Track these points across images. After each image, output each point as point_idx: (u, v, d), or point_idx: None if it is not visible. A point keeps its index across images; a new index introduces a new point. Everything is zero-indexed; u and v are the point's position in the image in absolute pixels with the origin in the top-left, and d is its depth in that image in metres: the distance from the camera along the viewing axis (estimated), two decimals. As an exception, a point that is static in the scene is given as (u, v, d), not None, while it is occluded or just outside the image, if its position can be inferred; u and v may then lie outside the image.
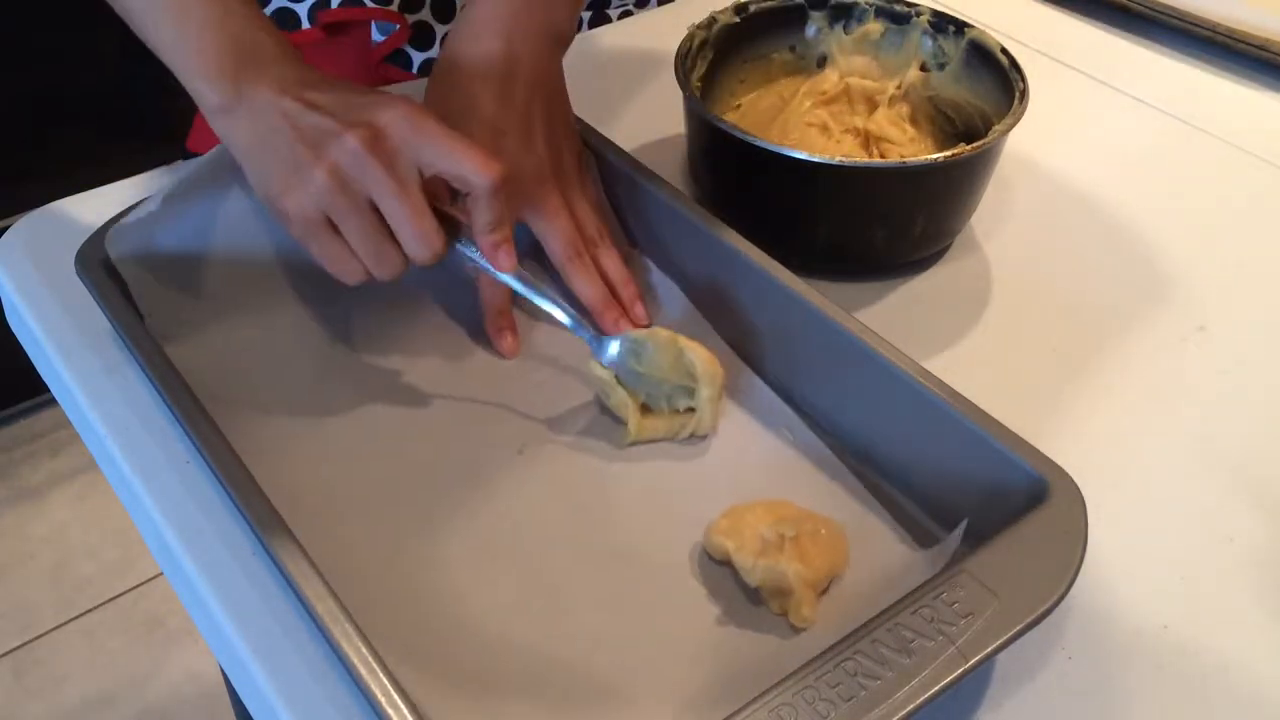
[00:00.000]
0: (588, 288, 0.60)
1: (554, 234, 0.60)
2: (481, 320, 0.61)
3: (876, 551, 0.51)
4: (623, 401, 0.55)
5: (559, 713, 0.45)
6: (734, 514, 0.50)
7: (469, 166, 0.49)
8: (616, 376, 0.55)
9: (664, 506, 0.53)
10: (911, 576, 0.48)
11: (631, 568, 0.50)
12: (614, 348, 0.56)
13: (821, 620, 0.48)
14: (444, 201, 0.53)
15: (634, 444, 0.56)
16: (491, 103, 0.59)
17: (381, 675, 0.40)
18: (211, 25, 0.52)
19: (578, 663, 0.46)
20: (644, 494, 0.54)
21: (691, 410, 0.56)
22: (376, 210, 0.50)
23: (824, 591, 0.49)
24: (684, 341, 0.55)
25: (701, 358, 0.54)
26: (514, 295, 0.58)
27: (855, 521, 0.52)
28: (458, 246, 0.53)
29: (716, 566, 0.50)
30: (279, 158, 0.50)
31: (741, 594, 0.49)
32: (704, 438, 0.56)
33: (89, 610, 1.57)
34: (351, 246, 0.51)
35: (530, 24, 0.60)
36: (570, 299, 0.60)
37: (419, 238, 0.50)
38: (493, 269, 0.53)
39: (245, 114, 0.51)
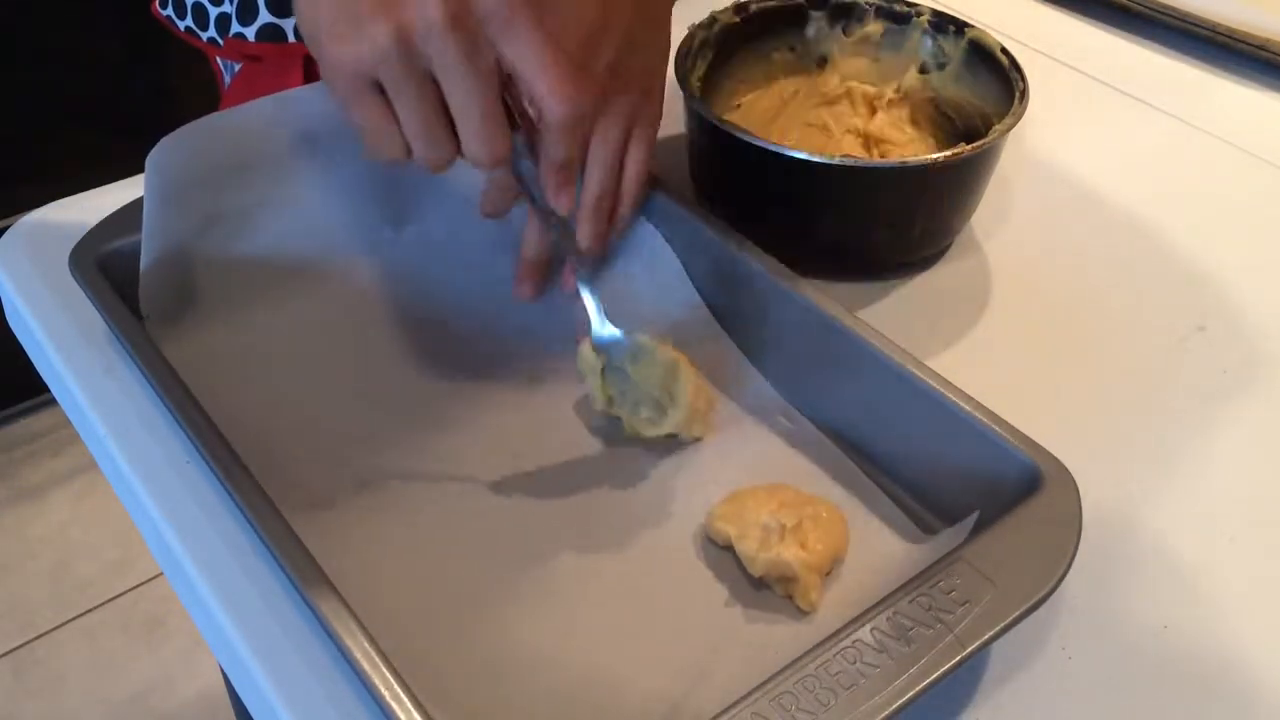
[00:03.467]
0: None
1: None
2: (478, 318, 0.61)
3: (878, 536, 0.51)
4: (596, 389, 0.55)
5: (567, 704, 0.45)
6: (735, 499, 0.51)
7: (547, 85, 0.43)
8: (603, 367, 0.54)
9: (665, 493, 0.53)
10: (912, 563, 0.49)
11: (635, 555, 0.50)
12: (617, 338, 0.54)
13: (826, 602, 0.48)
14: (511, 92, 0.46)
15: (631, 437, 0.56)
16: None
17: (385, 670, 0.40)
18: None
19: (584, 653, 0.46)
20: (644, 481, 0.54)
21: (650, 420, 0.55)
22: (437, 85, 0.43)
23: (828, 573, 0.49)
24: (685, 369, 0.54)
25: (690, 391, 0.54)
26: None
27: (855, 506, 0.52)
28: (512, 152, 0.46)
29: (719, 550, 0.51)
30: None
31: (745, 578, 0.49)
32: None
33: (89, 610, 1.57)
34: (399, 119, 0.44)
35: None
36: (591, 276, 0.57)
37: (482, 138, 0.43)
38: (542, 200, 0.48)
39: None
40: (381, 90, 0.43)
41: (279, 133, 0.59)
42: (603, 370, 0.55)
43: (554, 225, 0.52)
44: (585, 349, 0.55)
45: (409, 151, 0.45)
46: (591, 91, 0.44)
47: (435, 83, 0.43)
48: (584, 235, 0.59)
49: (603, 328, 0.54)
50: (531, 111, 0.46)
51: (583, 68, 0.56)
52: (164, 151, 0.55)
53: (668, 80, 0.64)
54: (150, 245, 0.56)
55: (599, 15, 0.52)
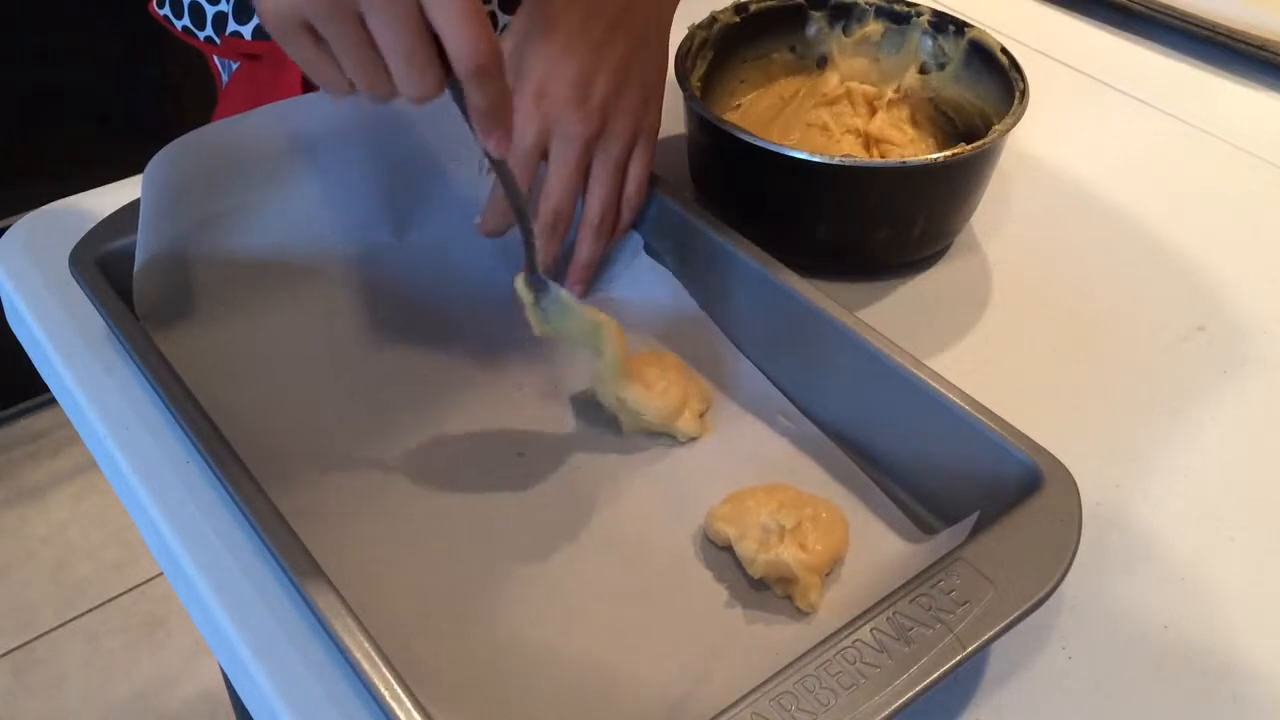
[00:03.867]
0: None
1: (546, 194, 0.58)
2: (479, 321, 0.61)
3: (878, 536, 0.51)
4: (531, 318, 0.54)
5: (566, 704, 0.45)
6: (735, 499, 0.51)
7: (458, 36, 0.43)
8: (534, 301, 0.54)
9: (665, 493, 0.53)
10: (912, 563, 0.49)
11: (635, 556, 0.50)
12: (543, 284, 0.54)
13: (826, 602, 0.48)
14: None
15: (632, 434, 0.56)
16: (563, 32, 0.51)
17: (385, 670, 0.40)
18: None
19: (584, 653, 0.46)
20: (644, 481, 0.54)
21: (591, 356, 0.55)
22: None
23: (828, 573, 0.49)
24: (610, 332, 0.54)
25: (613, 348, 0.54)
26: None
27: (855, 506, 0.53)
28: (449, 90, 0.46)
29: (719, 551, 0.51)
30: None
31: (745, 579, 0.50)
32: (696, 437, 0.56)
33: (89, 610, 1.57)
34: (335, 59, 0.44)
35: None
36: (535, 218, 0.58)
37: (408, 77, 0.44)
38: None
39: None
40: (316, 31, 0.44)
41: (277, 139, 0.60)
42: (535, 303, 0.54)
43: (490, 162, 0.50)
44: (518, 281, 0.54)
45: (352, 85, 0.45)
46: (497, 43, 0.44)
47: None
48: (586, 251, 0.60)
49: (532, 270, 0.54)
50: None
51: (585, 85, 0.56)
52: (161, 160, 0.55)
53: (668, 80, 0.64)
54: (145, 245, 0.56)
55: (603, 34, 0.52)
